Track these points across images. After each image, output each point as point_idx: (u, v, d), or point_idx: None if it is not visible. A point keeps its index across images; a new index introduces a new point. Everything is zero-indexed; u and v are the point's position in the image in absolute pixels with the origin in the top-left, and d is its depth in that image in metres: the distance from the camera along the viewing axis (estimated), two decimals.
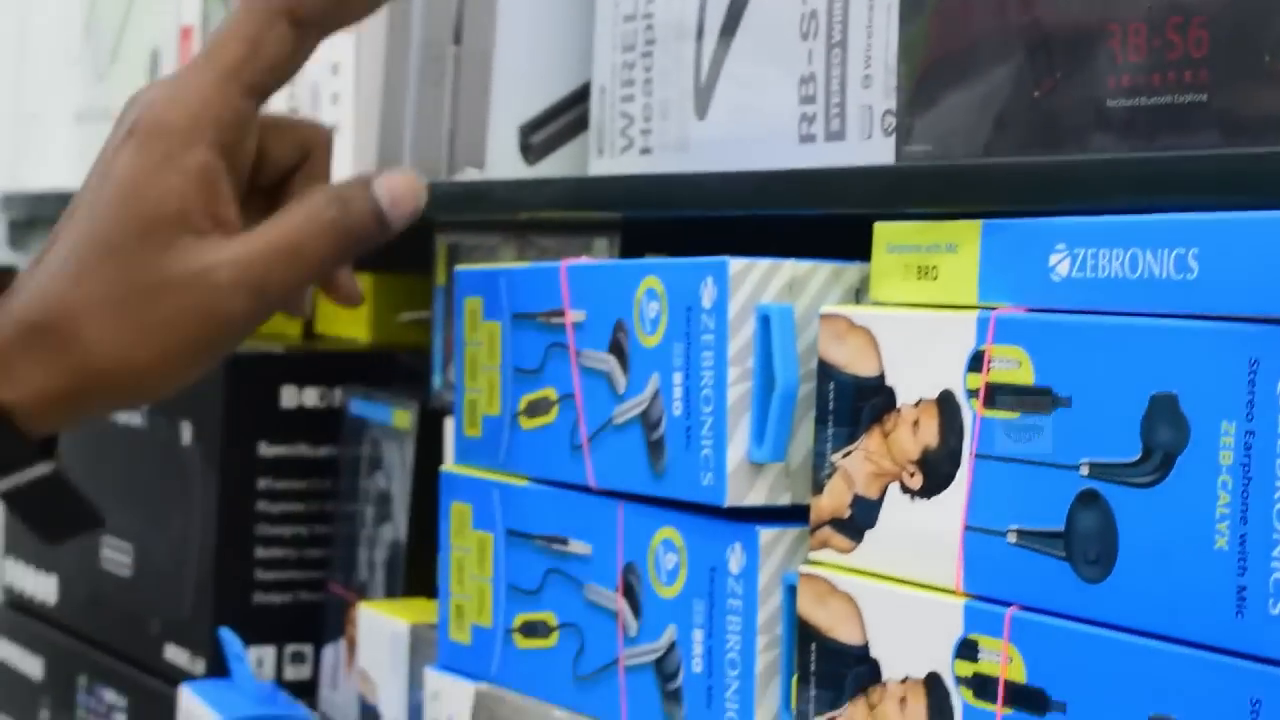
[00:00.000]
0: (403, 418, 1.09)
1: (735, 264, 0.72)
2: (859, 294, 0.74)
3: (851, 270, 0.74)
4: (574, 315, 0.81)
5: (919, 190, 0.70)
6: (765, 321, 0.72)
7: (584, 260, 0.83)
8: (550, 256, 0.95)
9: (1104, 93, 0.63)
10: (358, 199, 0.69)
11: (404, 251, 1.25)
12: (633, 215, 0.88)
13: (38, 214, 1.47)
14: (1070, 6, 0.64)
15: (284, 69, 0.70)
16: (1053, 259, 0.63)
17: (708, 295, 0.73)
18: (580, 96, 0.94)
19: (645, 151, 0.88)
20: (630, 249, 0.91)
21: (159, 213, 0.68)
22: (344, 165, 1.06)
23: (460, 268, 0.89)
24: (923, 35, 0.71)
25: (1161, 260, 0.58)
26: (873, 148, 0.75)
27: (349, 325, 1.26)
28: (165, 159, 0.68)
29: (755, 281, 0.72)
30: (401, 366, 1.21)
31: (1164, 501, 0.57)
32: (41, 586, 1.36)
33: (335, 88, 1.07)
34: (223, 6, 1.21)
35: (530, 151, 0.94)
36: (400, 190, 0.70)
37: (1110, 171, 0.61)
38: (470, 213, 0.97)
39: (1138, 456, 0.58)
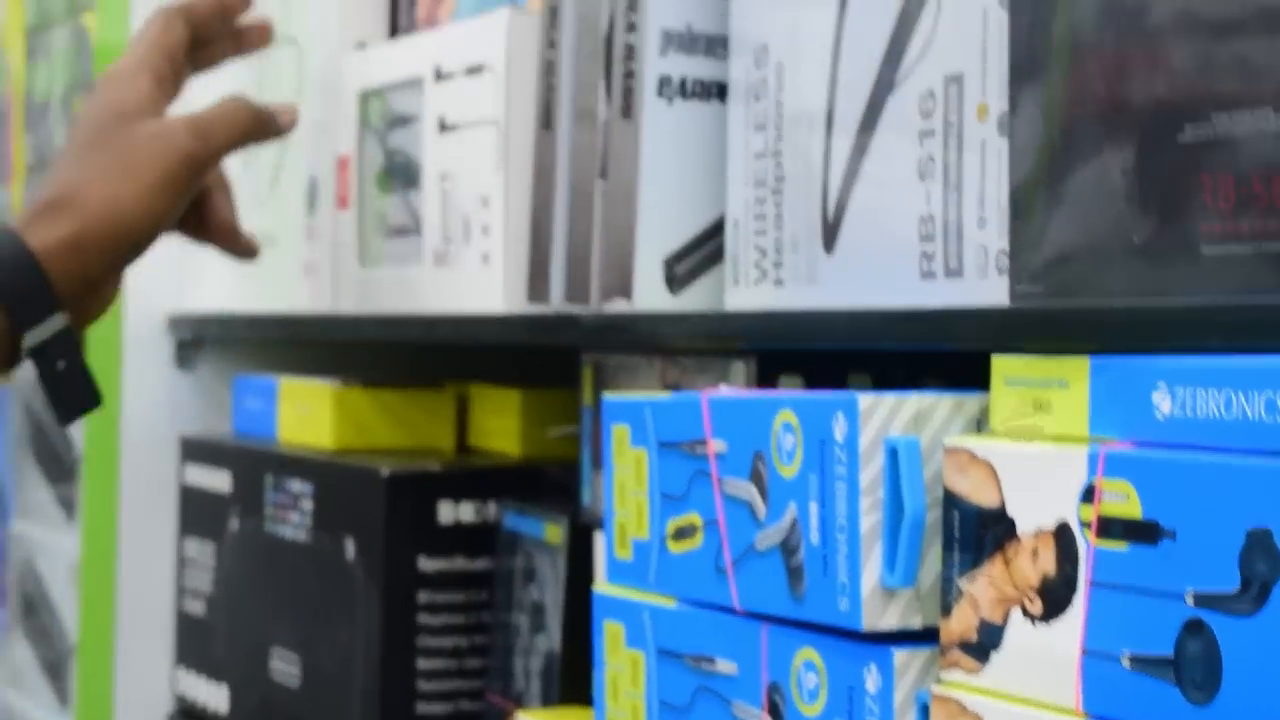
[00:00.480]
0: (554, 532, 1.15)
1: (865, 400, 0.77)
2: (980, 423, 0.78)
3: (972, 401, 0.78)
4: (716, 445, 0.86)
5: (1031, 329, 0.74)
6: (893, 454, 0.77)
7: (724, 392, 0.88)
8: (691, 375, 1.00)
9: (1199, 240, 0.67)
10: (263, 111, 1.13)
11: (550, 369, 1.31)
12: (766, 346, 0.93)
13: (203, 334, 1.55)
14: (1165, 158, 0.69)
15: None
16: (1156, 396, 0.67)
17: (839, 429, 0.78)
18: (719, 228, 1.00)
19: (778, 283, 0.93)
20: (765, 367, 0.96)
21: (125, 105, 1.06)
22: (495, 297, 1.12)
23: (608, 397, 0.95)
24: (1031, 182, 0.75)
25: (1254, 402, 0.63)
26: (989, 285, 0.80)
27: (500, 440, 1.32)
28: (120, 84, 1.07)
29: (883, 415, 0.77)
30: (551, 479, 1.26)
31: (1263, 629, 0.61)
32: (213, 696, 1.43)
33: (485, 219, 1.13)
34: (378, 143, 1.28)
35: (674, 282, 1.00)
36: (286, 111, 1.16)
37: (1205, 317, 0.66)
38: (616, 342, 1.03)
39: (1237, 588, 0.62)
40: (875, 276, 0.87)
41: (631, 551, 0.92)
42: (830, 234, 0.90)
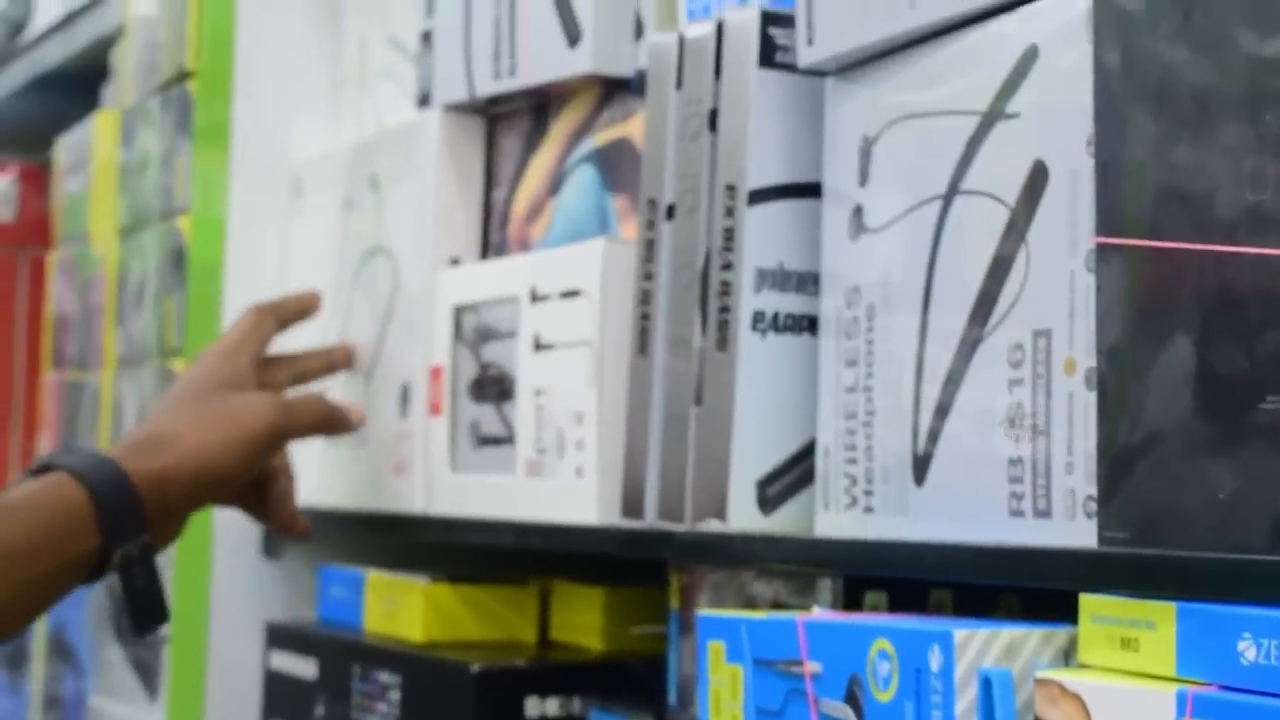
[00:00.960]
0: None
1: (960, 634, 0.83)
2: (1068, 655, 0.84)
3: (1061, 634, 0.84)
4: (811, 666, 0.92)
5: (1119, 573, 0.80)
6: (987, 684, 0.83)
7: (819, 616, 0.94)
8: (777, 587, 1.06)
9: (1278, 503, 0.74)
10: (338, 409, 1.36)
11: (630, 566, 1.37)
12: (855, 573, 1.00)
13: None
14: (1248, 423, 0.75)
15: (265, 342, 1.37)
16: (1241, 645, 0.73)
17: (935, 660, 0.84)
18: (809, 450, 1.06)
19: (868, 510, 1.00)
20: (851, 584, 1.02)
21: (221, 375, 1.27)
22: (589, 509, 1.18)
23: (703, 613, 1.01)
24: (1119, 436, 0.82)
25: None
26: (1077, 528, 0.86)
27: (583, 635, 1.37)
28: (219, 359, 1.30)
29: (977, 647, 0.83)
30: (634, 675, 1.32)
31: None
32: None
33: (579, 435, 1.20)
34: (471, 355, 1.35)
35: (766, 504, 1.06)
36: (355, 412, 1.39)
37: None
38: (708, 561, 1.09)
39: None
40: (964, 511, 0.93)
41: None
42: (920, 468, 0.96)
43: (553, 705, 1.30)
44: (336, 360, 1.45)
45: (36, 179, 2.32)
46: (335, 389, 1.49)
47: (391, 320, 1.47)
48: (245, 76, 1.65)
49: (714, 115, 1.10)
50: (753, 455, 1.06)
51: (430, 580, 1.42)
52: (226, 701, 1.61)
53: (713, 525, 1.07)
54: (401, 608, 1.44)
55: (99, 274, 1.92)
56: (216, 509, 1.56)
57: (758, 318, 1.07)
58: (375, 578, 1.48)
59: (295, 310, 1.42)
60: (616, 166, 1.27)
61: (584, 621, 1.38)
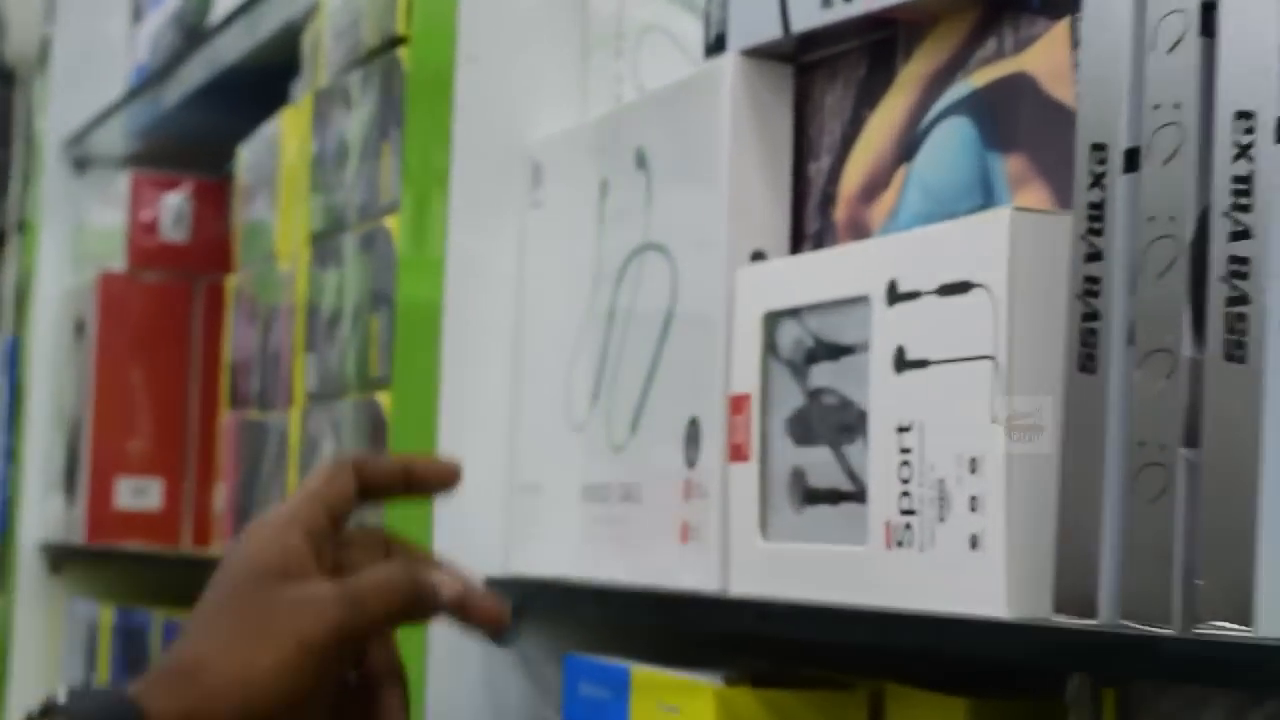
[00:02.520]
0: None
1: None
2: None
3: None
4: None
5: None
6: None
7: None
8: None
9: None
10: (425, 583, 0.92)
11: (998, 670, 1.01)
12: None
13: (534, 601, 1.26)
14: None
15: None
16: None
17: None
18: None
19: None
20: None
21: (269, 563, 0.90)
22: (993, 598, 0.82)
23: None
24: None
25: None
26: None
27: None
28: (267, 538, 0.91)
29: None
30: None
31: None
32: None
33: (975, 489, 0.84)
34: (792, 378, 0.99)
35: None
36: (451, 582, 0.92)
37: None
38: (1219, 683, 0.73)
39: None
40: None
41: None
42: None
43: None
44: (436, 477, 0.99)
45: (215, 196, 2.06)
46: (579, 426, 1.14)
47: (669, 336, 1.12)
48: (470, 38, 1.31)
49: (1209, 11, 0.73)
50: None
51: (724, 681, 1.07)
52: None
53: (1219, 629, 0.70)
54: (684, 716, 1.09)
55: (286, 294, 1.59)
56: None
57: None
58: (644, 674, 1.13)
59: (398, 475, 0.97)
60: (1007, 115, 0.91)
61: None
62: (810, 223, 1.06)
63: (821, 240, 1.05)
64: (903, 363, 0.89)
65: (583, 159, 1.24)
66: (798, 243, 1.07)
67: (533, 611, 1.28)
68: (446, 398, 1.30)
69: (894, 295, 0.90)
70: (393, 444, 1.33)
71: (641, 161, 1.16)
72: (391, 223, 1.36)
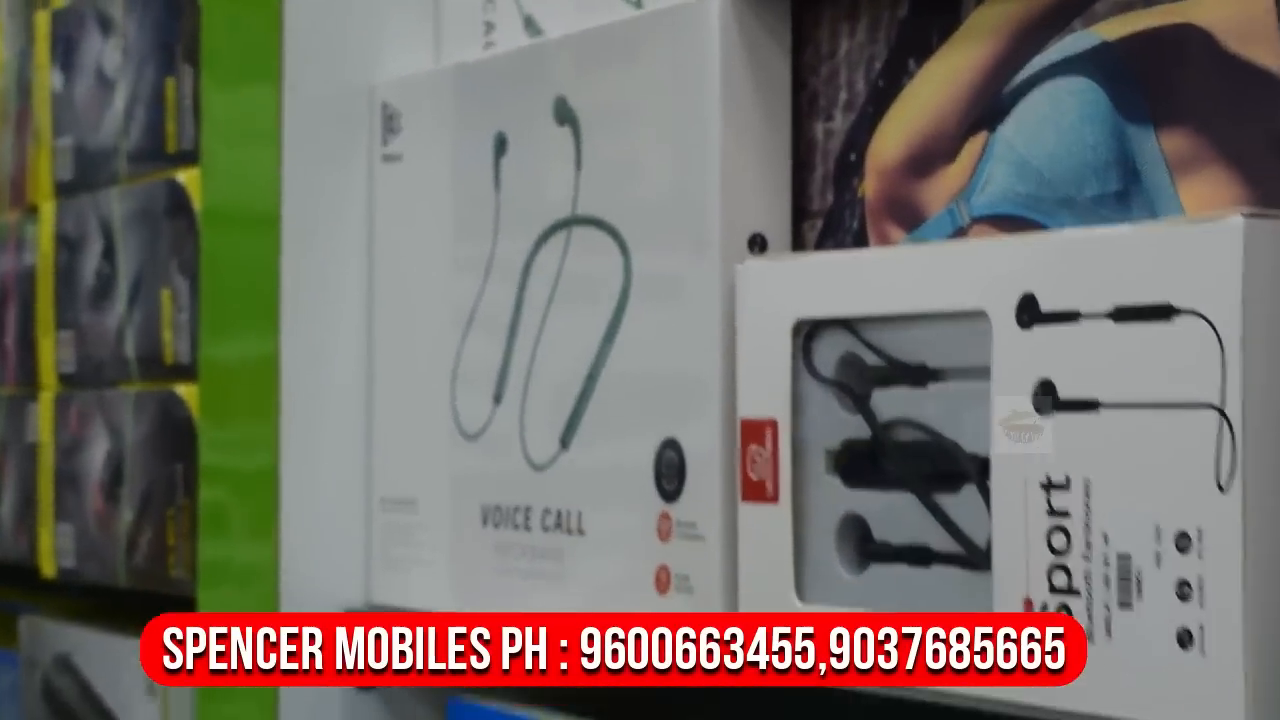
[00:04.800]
0: None
1: None
2: None
3: None
4: None
5: None
6: None
7: None
8: None
9: None
10: None
11: None
12: None
13: None
14: None
15: None
16: None
17: None
18: None
19: None
20: None
21: None
22: (1218, 708, 0.64)
23: None
24: None
25: None
26: None
27: None
28: None
29: None
30: None
31: None
32: None
33: (1187, 570, 0.65)
34: (843, 404, 0.79)
35: None
36: None
37: None
38: None
39: None
40: None
41: None
42: None
43: None
44: None
45: None
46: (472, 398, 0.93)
47: (619, 335, 0.91)
48: None
49: None
50: None
51: None
52: None
53: None
54: None
55: (26, 255, 1.32)
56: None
57: None
58: None
59: None
60: (1163, 78, 0.72)
61: None
62: (816, 198, 0.86)
63: (838, 220, 0.85)
64: (1053, 402, 0.70)
65: (461, 105, 1.01)
66: (799, 222, 0.86)
67: None
68: (286, 392, 1.06)
69: (1032, 314, 0.71)
70: (201, 446, 1.09)
71: (564, 115, 0.94)
72: (187, 177, 1.12)
